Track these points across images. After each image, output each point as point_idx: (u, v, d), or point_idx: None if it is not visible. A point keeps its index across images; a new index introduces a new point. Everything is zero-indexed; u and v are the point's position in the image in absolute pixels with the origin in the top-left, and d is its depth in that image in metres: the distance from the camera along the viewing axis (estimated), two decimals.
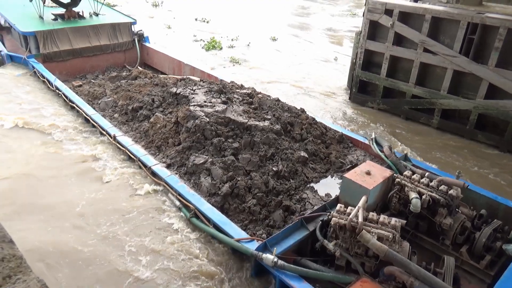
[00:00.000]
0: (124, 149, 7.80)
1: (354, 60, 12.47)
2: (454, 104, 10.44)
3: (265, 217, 6.32)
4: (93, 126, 8.85)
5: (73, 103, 9.47)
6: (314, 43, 19.73)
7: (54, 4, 13.44)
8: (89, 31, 12.44)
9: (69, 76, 12.32)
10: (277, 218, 6.34)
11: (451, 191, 6.28)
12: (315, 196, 6.99)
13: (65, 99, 9.87)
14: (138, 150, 7.63)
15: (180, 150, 7.28)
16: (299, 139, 8.06)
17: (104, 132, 8.36)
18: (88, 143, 8.33)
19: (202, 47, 17.43)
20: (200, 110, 7.65)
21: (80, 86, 11.34)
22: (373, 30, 11.49)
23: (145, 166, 7.27)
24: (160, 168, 7.11)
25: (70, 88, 10.55)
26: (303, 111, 8.88)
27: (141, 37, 13.75)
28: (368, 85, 12.27)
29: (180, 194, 6.52)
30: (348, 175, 6.20)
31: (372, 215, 5.51)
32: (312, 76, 14.84)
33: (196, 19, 22.64)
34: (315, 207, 6.63)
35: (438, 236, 6.24)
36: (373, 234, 5.18)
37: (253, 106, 8.44)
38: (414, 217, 6.37)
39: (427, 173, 7.10)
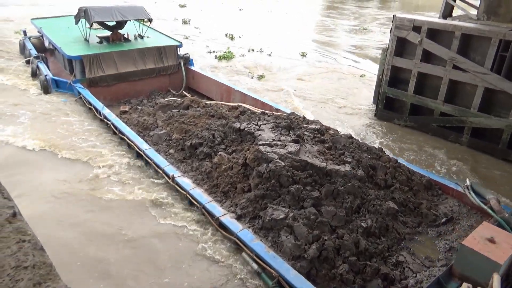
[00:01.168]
0: (184, 192, 6.91)
1: (381, 77, 12.08)
2: (485, 123, 10.00)
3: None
4: (147, 162, 8.02)
5: (124, 134, 8.70)
6: (339, 60, 18.94)
7: (98, 26, 12.94)
8: (136, 54, 11.81)
9: (114, 101, 11.68)
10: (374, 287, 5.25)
11: None
12: (414, 260, 5.86)
13: (114, 129, 9.13)
14: (202, 195, 6.71)
15: (252, 198, 6.30)
16: (384, 186, 6.99)
17: (160, 171, 7.50)
18: (141, 184, 7.49)
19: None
20: (272, 151, 6.69)
21: (126, 112, 10.64)
22: (401, 46, 11.26)
23: (212, 216, 6.33)
24: (230, 220, 6.14)
25: (117, 115, 9.86)
26: (381, 150, 7.82)
27: (187, 61, 13.06)
28: (394, 101, 11.87)
29: (258, 256, 5.52)
30: (468, 243, 5.07)
31: None
32: (339, 93, 14.25)
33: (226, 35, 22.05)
34: (418, 276, 5.54)
35: None
36: None
37: (326, 145, 7.44)
38: None
39: None
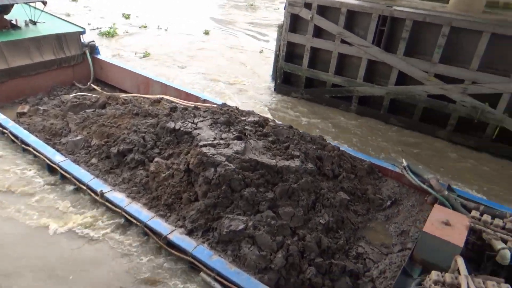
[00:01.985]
0: (119, 210, 5.97)
1: (278, 52, 12.64)
2: (369, 91, 11.22)
3: None
4: (63, 177, 6.79)
5: (28, 145, 7.26)
6: (239, 37, 19.12)
7: None
8: (29, 45, 9.93)
9: (5, 101, 9.75)
10: (344, 286, 5.09)
11: None
12: (373, 250, 5.85)
13: (14, 139, 7.58)
14: (140, 211, 5.85)
15: (202, 209, 5.65)
16: (332, 176, 6.87)
17: (84, 187, 6.39)
18: (56, 207, 6.32)
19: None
20: (217, 153, 6.07)
21: (24, 114, 8.94)
22: (294, 23, 11.89)
23: (157, 234, 5.55)
24: (180, 237, 5.45)
25: (14, 120, 8.23)
26: (323, 139, 7.69)
27: (93, 49, 11.46)
28: (291, 76, 12.64)
29: (219, 274, 4.96)
30: (428, 229, 5.15)
31: (479, 282, 4.52)
32: (239, 70, 14.59)
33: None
34: (379, 266, 5.54)
35: None
36: None
37: (270, 139, 7.03)
38: (492, 264, 5.54)
39: (481, 207, 6.40)
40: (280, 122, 8.01)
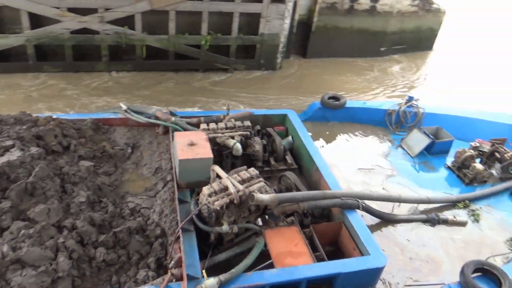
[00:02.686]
0: None
1: None
2: (4, 43, 9.98)
3: (128, 255, 4.93)
4: None
5: None
6: None
7: None
8: None
9: None
10: (138, 245, 5.07)
11: (246, 123, 7.03)
12: (142, 198, 5.89)
13: None
14: None
15: None
16: (63, 150, 6.06)
17: None
18: None
19: None
20: None
21: None
22: None
23: None
24: None
25: None
26: (29, 114, 6.46)
27: None
28: None
29: None
30: (181, 155, 5.58)
31: (235, 177, 5.49)
32: None
33: None
34: (156, 208, 5.74)
35: (251, 163, 7.00)
36: (256, 191, 5.29)
37: None
38: (231, 158, 6.78)
39: (202, 118, 7.43)
40: None
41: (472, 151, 8.02)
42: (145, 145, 7.11)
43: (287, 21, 12.10)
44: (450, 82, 13.86)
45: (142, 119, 7.26)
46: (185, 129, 6.97)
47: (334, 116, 9.55)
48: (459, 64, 15.70)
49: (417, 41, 15.70)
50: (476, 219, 6.97)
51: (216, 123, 6.90)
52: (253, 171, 5.68)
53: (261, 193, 5.33)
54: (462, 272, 5.07)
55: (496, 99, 12.35)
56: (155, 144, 7.12)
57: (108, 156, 6.53)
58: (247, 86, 11.71)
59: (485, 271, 5.17)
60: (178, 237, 5.00)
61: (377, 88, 12.61)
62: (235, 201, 5.08)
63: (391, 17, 14.22)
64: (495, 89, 13.49)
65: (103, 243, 4.83)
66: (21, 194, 4.84)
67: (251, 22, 11.99)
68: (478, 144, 8.20)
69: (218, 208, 4.99)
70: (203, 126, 6.79)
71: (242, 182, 5.41)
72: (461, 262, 5.78)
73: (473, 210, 7.14)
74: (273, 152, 7.48)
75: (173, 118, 7.11)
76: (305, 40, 13.81)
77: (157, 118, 7.23)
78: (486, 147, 8.14)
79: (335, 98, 9.55)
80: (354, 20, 13.87)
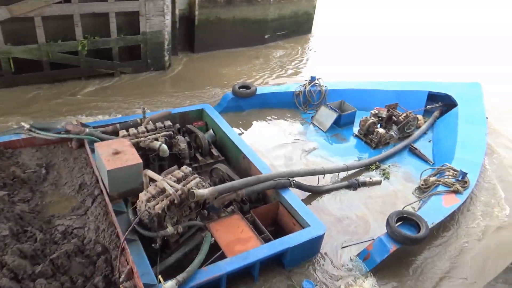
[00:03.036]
0: None
1: None
2: None
3: (72, 279, 4.61)
4: None
5: None
6: None
7: None
8: None
9: None
10: (80, 268, 4.76)
11: (166, 123, 6.94)
12: (71, 219, 5.48)
13: None
14: None
15: None
16: None
17: None
18: None
19: None
20: None
21: None
22: None
23: None
24: None
25: None
26: None
27: None
28: None
29: None
30: (108, 165, 5.31)
31: (170, 177, 5.44)
32: None
33: None
34: (91, 226, 5.42)
35: (178, 162, 6.94)
36: (194, 188, 5.32)
37: None
38: (158, 160, 6.65)
39: (118, 124, 7.12)
40: None
41: (373, 118, 9.00)
42: (60, 163, 6.60)
43: (168, 17, 11.56)
44: (331, 59, 14.99)
45: (50, 135, 6.69)
46: (102, 139, 6.60)
47: (247, 104, 9.86)
48: (337, 42, 17.00)
49: (296, 25, 16.42)
50: (386, 176, 7.89)
51: (136, 128, 6.68)
52: (186, 168, 5.66)
53: (199, 188, 5.35)
54: (388, 224, 5.77)
55: (376, 70, 13.89)
56: (71, 160, 6.64)
57: (21, 181, 5.92)
58: (138, 89, 11.00)
59: (405, 219, 5.96)
60: (123, 249, 4.81)
61: (266, 73, 13.01)
62: (176, 201, 5.04)
63: (270, 5, 14.70)
64: (373, 62, 15.14)
65: (41, 273, 4.44)
66: None
67: (131, 21, 11.28)
68: (376, 111, 9.21)
69: (159, 211, 4.91)
70: (122, 133, 6.52)
71: (178, 181, 5.37)
72: (383, 216, 6.56)
73: (383, 170, 8.07)
74: (198, 148, 7.51)
75: (86, 130, 6.68)
76: (190, 35, 13.49)
77: (68, 132, 6.73)
78: (384, 113, 9.19)
79: (246, 87, 9.85)
80: (235, 11, 13.91)
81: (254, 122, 9.59)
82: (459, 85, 10.85)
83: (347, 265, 5.78)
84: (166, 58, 12.18)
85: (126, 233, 4.79)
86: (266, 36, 15.30)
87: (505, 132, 10.26)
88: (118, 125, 7.08)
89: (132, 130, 6.55)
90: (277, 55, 14.72)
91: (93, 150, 6.38)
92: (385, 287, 5.56)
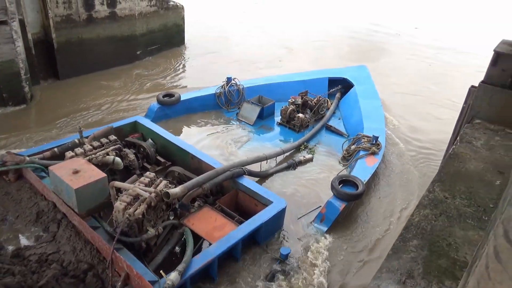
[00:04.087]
0: None
1: None
2: None
3: None
4: None
5: None
6: None
7: None
8: None
9: None
10: (69, 287, 4.75)
11: (112, 137, 6.99)
12: (41, 247, 5.29)
13: None
14: None
15: None
16: None
17: None
18: None
19: None
20: None
21: None
22: None
23: None
24: None
25: None
26: None
27: None
28: None
29: None
30: (74, 184, 5.30)
31: (138, 184, 5.63)
32: None
33: None
34: (66, 249, 5.32)
35: (129, 174, 7.04)
36: (164, 189, 5.62)
37: None
38: (110, 175, 6.67)
39: (56, 148, 6.93)
40: None
41: (292, 106, 10.08)
42: (1, 197, 6.17)
43: (19, 43, 10.04)
44: (209, 66, 14.74)
45: None
46: (46, 166, 6.37)
47: (173, 111, 10.12)
48: (211, 50, 16.63)
49: (168, 38, 15.84)
50: (314, 153, 9.01)
51: (78, 147, 6.57)
52: (149, 174, 5.88)
53: (169, 189, 5.65)
54: (333, 187, 6.78)
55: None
56: (14, 193, 6.28)
57: None
58: None
59: (344, 181, 7.04)
60: (112, 260, 4.90)
61: (146, 86, 12.45)
62: (152, 204, 5.29)
63: (135, 20, 13.82)
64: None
65: None
66: None
67: None
68: (293, 100, 10.32)
69: (140, 216, 5.12)
70: (69, 154, 6.38)
71: (147, 186, 5.59)
72: (324, 184, 7.60)
73: (310, 149, 9.17)
74: (144, 158, 7.64)
75: (27, 158, 6.37)
76: (52, 60, 11.98)
77: (4, 163, 6.32)
78: (299, 100, 10.35)
79: (170, 95, 10.10)
80: (98, 29, 12.74)
81: (185, 127, 9.92)
82: (350, 69, 12.68)
83: (308, 230, 6.64)
84: (26, 89, 10.55)
85: (113, 243, 4.90)
86: (138, 52, 14.44)
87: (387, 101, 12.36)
88: (56, 149, 6.86)
89: (79, 150, 6.45)
90: (152, 70, 13.91)
91: (40, 178, 6.17)
92: (342, 239, 6.56)
